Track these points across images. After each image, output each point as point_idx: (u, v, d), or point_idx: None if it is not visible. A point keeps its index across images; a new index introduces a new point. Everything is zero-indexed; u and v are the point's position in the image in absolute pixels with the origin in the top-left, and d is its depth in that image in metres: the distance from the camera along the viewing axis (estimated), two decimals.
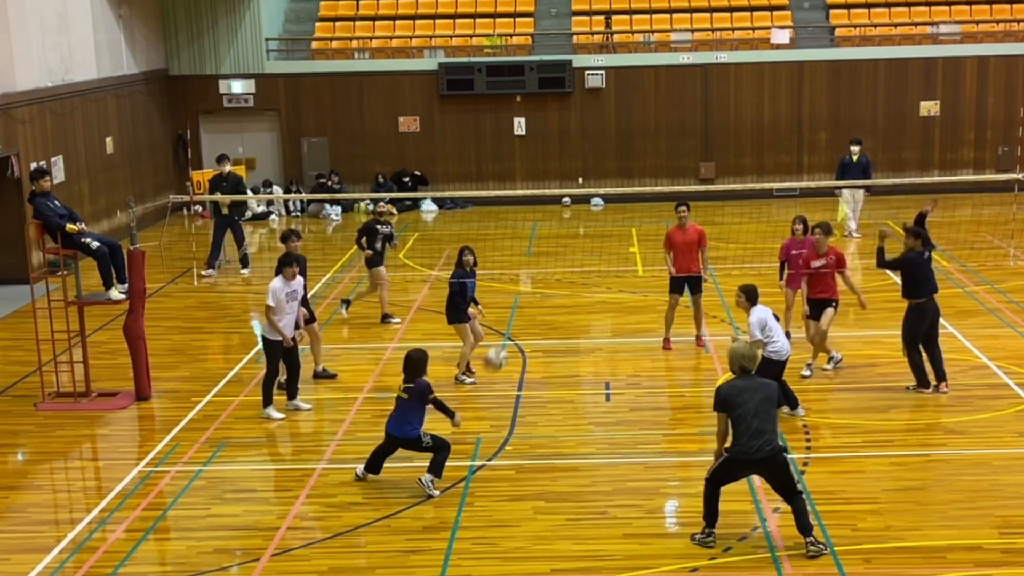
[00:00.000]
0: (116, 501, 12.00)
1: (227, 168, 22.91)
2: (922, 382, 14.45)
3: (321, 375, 15.74)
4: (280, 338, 14.09)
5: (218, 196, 22.37)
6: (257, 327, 19.26)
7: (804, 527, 10.35)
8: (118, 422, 14.52)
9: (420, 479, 11.80)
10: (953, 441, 12.94)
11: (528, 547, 10.71)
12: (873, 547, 10.49)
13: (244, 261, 22.70)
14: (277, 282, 14.20)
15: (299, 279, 14.46)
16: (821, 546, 10.35)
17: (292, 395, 14.63)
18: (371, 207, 29.32)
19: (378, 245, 18.16)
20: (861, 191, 24.34)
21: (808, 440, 13.12)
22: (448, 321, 15.52)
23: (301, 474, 12.62)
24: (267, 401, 14.34)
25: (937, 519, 11.04)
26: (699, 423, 13.67)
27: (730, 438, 10.38)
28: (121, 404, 14.98)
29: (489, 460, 12.72)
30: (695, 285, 16.69)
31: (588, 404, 14.78)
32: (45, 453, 13.73)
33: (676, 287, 16.77)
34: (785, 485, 10.45)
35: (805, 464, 12.43)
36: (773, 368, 13.08)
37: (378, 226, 18.24)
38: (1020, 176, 23.00)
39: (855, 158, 24.33)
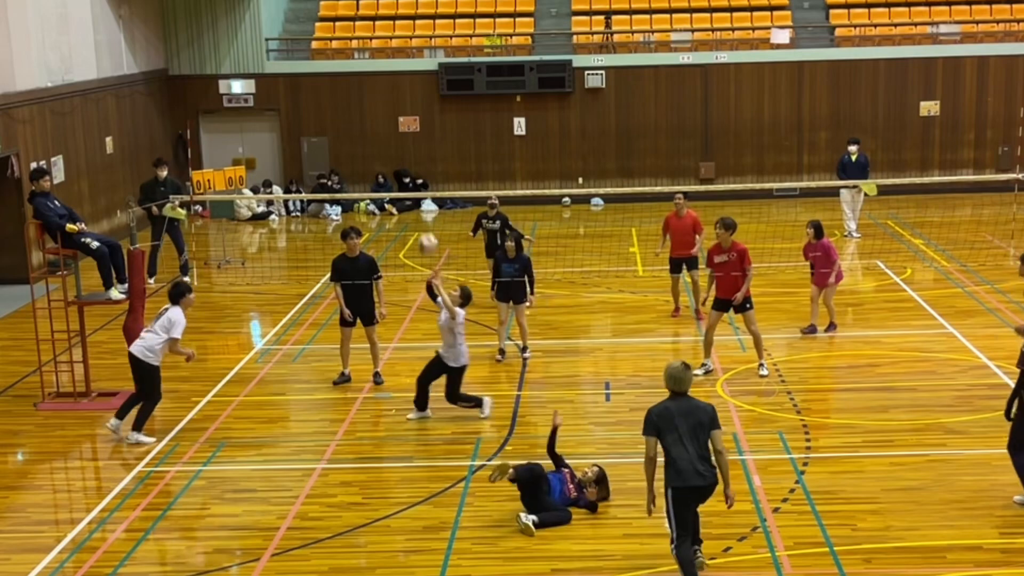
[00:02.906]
0: (116, 501, 12.00)
1: (164, 173, 22.24)
2: None
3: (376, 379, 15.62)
4: (158, 363, 13.69)
5: (178, 209, 21.67)
6: (257, 328, 19.28)
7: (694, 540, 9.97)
8: None
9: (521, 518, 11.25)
10: (953, 441, 12.93)
11: (528, 547, 10.71)
12: (873, 547, 10.50)
13: (184, 269, 21.99)
14: (181, 313, 13.71)
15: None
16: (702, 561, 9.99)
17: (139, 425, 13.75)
18: (370, 207, 29.45)
19: (487, 238, 18.97)
20: (860, 191, 24.33)
21: (808, 440, 13.12)
22: None
23: (301, 474, 12.62)
24: (139, 425, 13.68)
25: (937, 519, 11.04)
26: None
27: (664, 471, 9.75)
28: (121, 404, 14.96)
29: (489, 460, 12.73)
30: (691, 263, 18.15)
31: (588, 404, 14.78)
32: (45, 453, 13.72)
33: (673, 267, 18.27)
34: (697, 526, 9.97)
35: (805, 464, 12.43)
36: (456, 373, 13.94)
37: (484, 220, 19.07)
38: (1020, 176, 23.00)
39: (854, 158, 24.34)
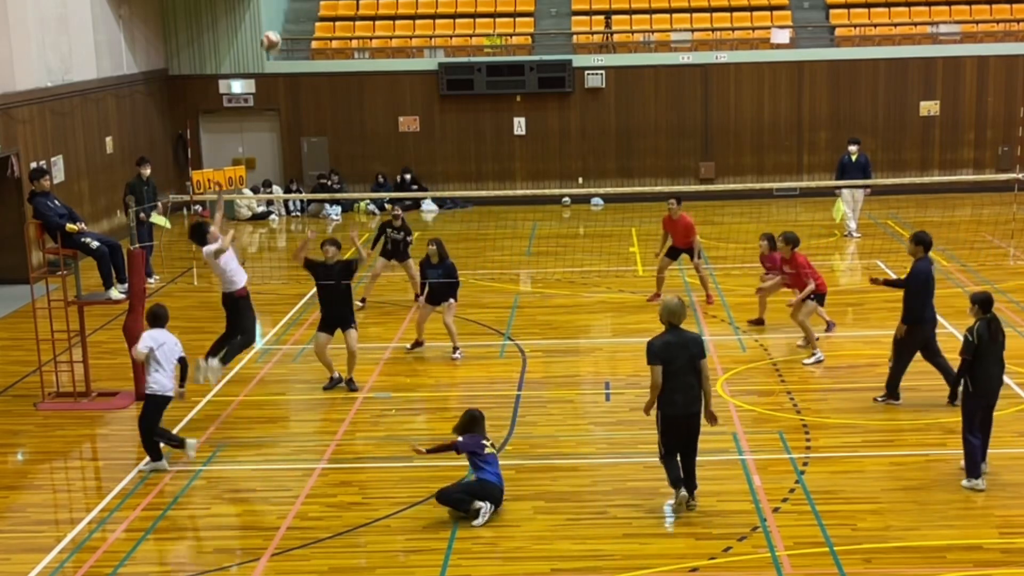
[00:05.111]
0: (116, 501, 12.00)
1: (147, 172, 21.97)
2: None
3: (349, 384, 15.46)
4: (235, 287, 14.42)
5: (160, 218, 21.65)
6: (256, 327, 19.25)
7: (691, 485, 11.26)
8: (118, 422, 14.52)
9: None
10: (953, 441, 12.90)
11: (528, 547, 10.71)
12: (873, 547, 10.50)
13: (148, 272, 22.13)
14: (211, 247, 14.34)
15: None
16: (694, 504, 11.21)
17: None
18: (370, 207, 29.47)
19: (388, 245, 19.31)
20: (860, 191, 24.35)
21: (808, 440, 13.13)
22: None
23: (301, 474, 12.62)
24: (214, 352, 14.33)
25: (937, 519, 11.04)
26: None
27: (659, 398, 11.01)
28: (121, 404, 14.99)
29: None
30: (691, 253, 18.85)
31: (588, 404, 14.78)
32: (45, 453, 13.72)
33: (670, 253, 19.10)
34: (692, 443, 11.16)
35: (805, 464, 12.43)
36: (153, 404, 12.66)
37: (388, 229, 19.34)
38: (1020, 176, 22.99)
39: (854, 158, 24.33)
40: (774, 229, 23.29)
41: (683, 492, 11.21)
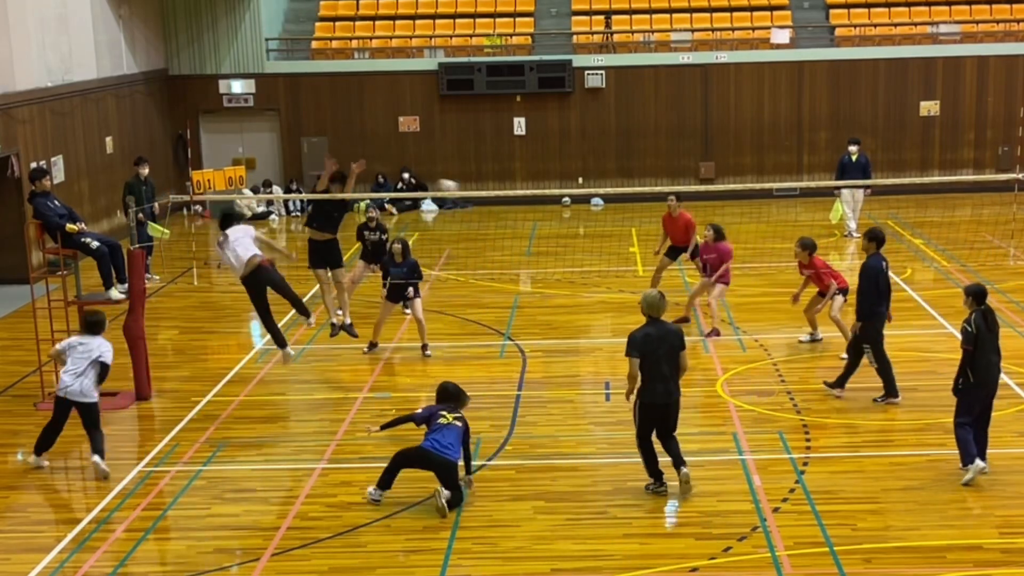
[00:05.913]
0: (116, 501, 12.00)
1: (145, 171, 21.87)
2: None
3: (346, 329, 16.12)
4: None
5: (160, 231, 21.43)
6: (257, 328, 19.26)
7: (678, 461, 11.52)
8: (118, 422, 14.51)
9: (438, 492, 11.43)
10: (953, 441, 12.88)
11: (528, 547, 10.71)
12: (873, 547, 10.50)
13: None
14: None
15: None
16: (688, 474, 11.46)
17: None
18: (371, 206, 29.48)
19: (368, 247, 18.78)
20: (860, 191, 24.35)
21: (808, 440, 13.13)
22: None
23: (301, 474, 12.63)
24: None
25: (937, 519, 11.04)
26: (699, 423, 13.70)
27: (639, 384, 11.35)
28: (121, 404, 14.97)
29: (489, 460, 12.72)
30: (690, 252, 18.80)
31: (588, 404, 14.78)
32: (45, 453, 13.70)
33: (669, 253, 19.07)
34: (670, 428, 11.54)
35: (805, 464, 12.43)
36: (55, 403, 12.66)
37: (365, 231, 18.85)
38: (1020, 176, 22.97)
39: (854, 158, 24.33)
40: (775, 230, 23.46)
41: (664, 485, 11.59)
